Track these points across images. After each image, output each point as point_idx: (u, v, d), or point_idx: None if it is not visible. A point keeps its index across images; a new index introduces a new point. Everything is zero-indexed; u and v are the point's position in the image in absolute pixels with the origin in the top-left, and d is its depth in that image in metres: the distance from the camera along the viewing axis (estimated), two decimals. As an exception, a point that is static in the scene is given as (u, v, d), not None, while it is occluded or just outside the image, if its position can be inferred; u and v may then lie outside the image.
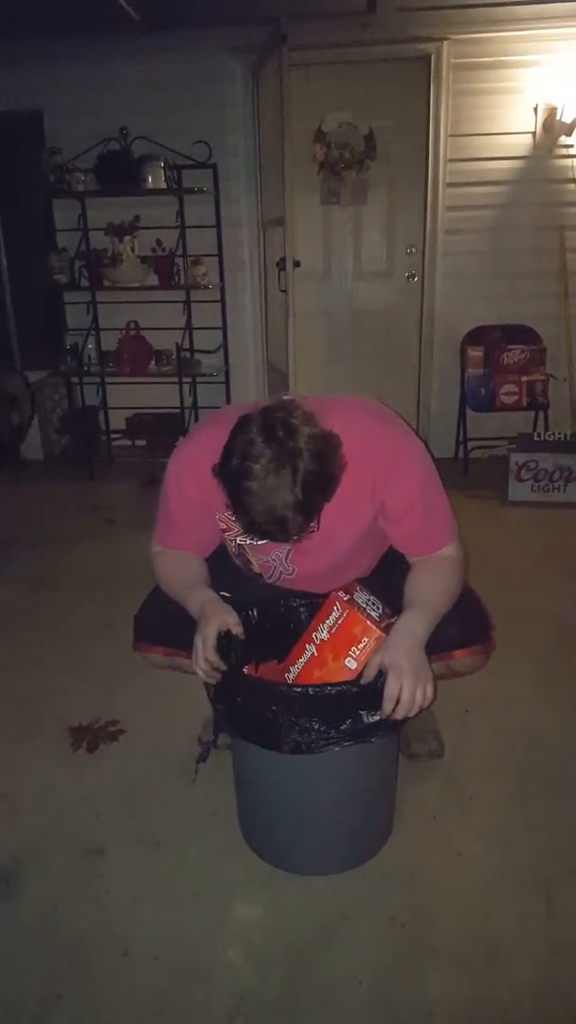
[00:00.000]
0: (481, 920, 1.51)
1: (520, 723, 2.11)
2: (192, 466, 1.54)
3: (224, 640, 1.48)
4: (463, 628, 1.62)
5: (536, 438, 3.94)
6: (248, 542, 1.59)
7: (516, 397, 4.03)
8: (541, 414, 4.19)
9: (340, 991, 1.38)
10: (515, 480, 3.81)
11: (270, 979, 1.40)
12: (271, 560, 1.65)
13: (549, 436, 3.93)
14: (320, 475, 1.31)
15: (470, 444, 4.30)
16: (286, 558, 1.64)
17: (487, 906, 1.54)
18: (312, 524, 1.38)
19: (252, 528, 1.35)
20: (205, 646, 1.45)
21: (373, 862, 1.63)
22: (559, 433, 3.94)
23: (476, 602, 1.71)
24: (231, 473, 1.31)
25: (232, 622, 1.50)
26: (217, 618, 1.49)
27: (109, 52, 4.05)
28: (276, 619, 1.73)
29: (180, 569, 1.65)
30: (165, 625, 1.67)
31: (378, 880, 1.60)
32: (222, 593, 1.58)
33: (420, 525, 1.56)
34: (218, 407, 4.52)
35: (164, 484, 1.63)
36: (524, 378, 4.01)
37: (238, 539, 1.61)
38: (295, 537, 1.38)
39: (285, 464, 1.27)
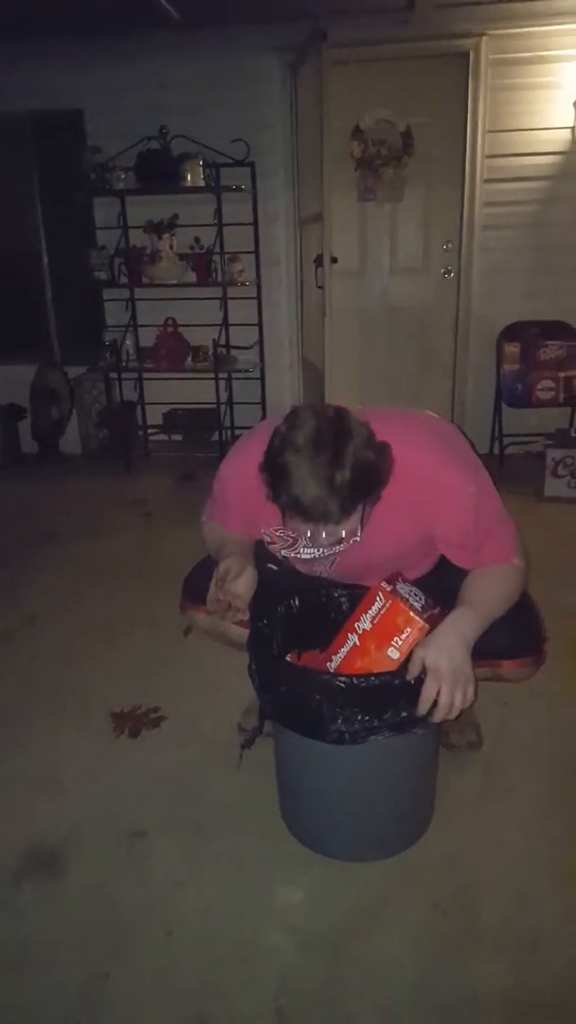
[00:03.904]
0: (521, 909, 1.52)
1: (559, 716, 2.11)
2: (238, 480, 1.54)
3: (265, 624, 1.49)
4: (515, 637, 1.59)
5: (573, 434, 3.91)
6: (292, 554, 1.58)
7: (553, 393, 3.99)
8: (579, 410, 4.17)
9: (382, 974, 1.40)
10: (551, 476, 3.78)
11: (313, 961, 1.43)
12: (316, 572, 1.66)
13: (587, 432, 3.91)
14: (367, 464, 1.27)
15: (505, 440, 4.28)
16: (330, 568, 1.64)
17: (527, 895, 1.55)
18: (354, 524, 1.32)
19: (292, 506, 1.28)
20: (213, 582, 1.49)
21: (414, 850, 1.66)
22: (597, 429, 3.93)
23: (533, 612, 1.67)
24: (278, 440, 1.29)
25: (235, 566, 1.50)
26: (225, 561, 1.52)
27: (149, 51, 4.09)
28: (317, 608, 1.75)
29: (226, 533, 1.67)
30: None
31: (419, 867, 1.62)
32: (269, 565, 1.61)
33: (474, 552, 1.52)
34: (254, 402, 4.59)
35: (217, 482, 1.65)
36: (562, 374, 3.98)
37: (282, 552, 1.61)
38: (334, 526, 1.29)
39: (331, 439, 1.25)
